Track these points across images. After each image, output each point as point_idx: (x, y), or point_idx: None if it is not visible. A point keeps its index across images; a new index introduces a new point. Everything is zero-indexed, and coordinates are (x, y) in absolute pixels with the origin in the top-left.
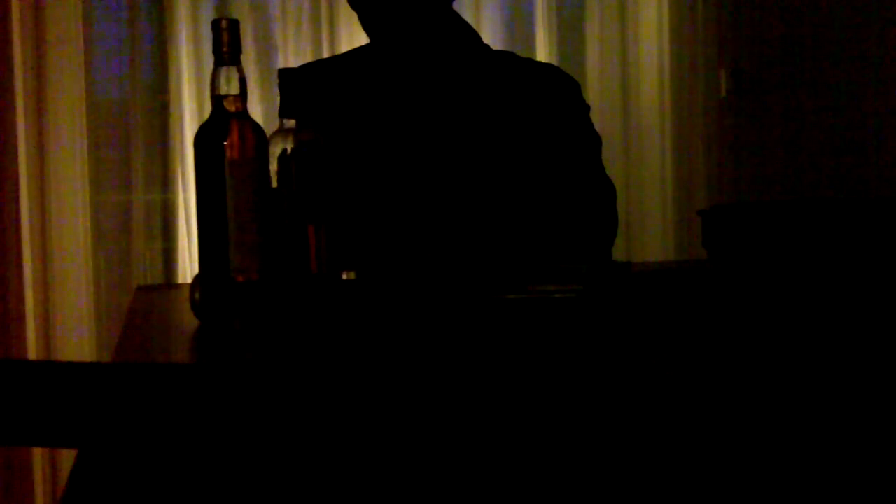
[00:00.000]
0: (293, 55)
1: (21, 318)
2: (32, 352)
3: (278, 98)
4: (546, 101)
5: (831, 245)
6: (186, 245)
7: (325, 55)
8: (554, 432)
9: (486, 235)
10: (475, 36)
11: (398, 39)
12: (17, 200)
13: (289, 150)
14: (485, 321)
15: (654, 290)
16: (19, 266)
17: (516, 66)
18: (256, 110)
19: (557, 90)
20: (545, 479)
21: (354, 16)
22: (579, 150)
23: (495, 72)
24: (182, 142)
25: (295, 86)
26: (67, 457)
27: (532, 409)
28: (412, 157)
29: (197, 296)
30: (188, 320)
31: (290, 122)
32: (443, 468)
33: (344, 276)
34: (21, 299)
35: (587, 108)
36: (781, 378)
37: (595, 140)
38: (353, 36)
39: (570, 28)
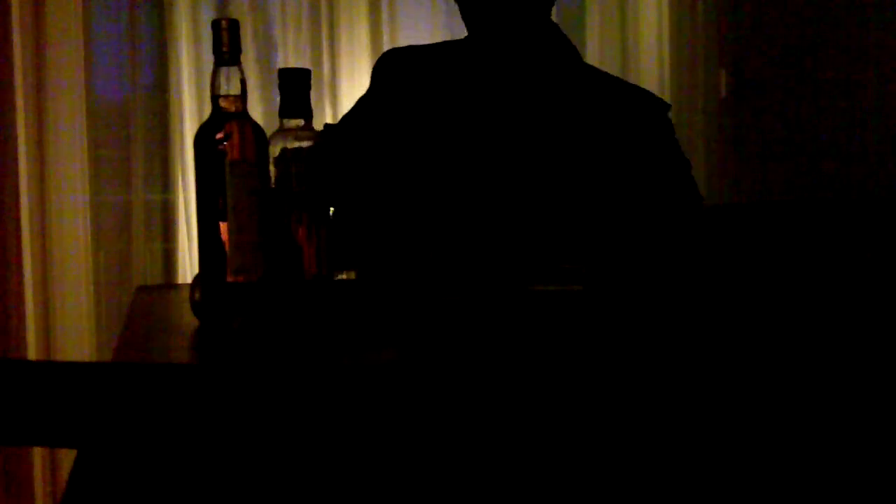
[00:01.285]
0: (293, 55)
1: (21, 318)
2: (32, 352)
3: (278, 98)
4: (633, 126)
5: (831, 245)
6: (186, 245)
7: (325, 55)
8: (554, 432)
9: (523, 246)
10: (574, 51)
11: (497, 38)
12: (17, 200)
13: (289, 149)
14: (485, 321)
15: (654, 289)
16: (19, 266)
17: (607, 85)
18: (256, 110)
19: (646, 116)
20: (545, 479)
21: (354, 16)
22: (668, 174)
23: (583, 90)
24: (182, 142)
25: (296, 85)
26: (67, 457)
27: (531, 409)
28: (477, 160)
29: (197, 296)
30: (188, 320)
31: (291, 123)
32: (442, 468)
33: (343, 276)
34: (21, 299)
35: (672, 131)
36: (781, 378)
37: (684, 163)
38: (353, 36)
39: (570, 28)
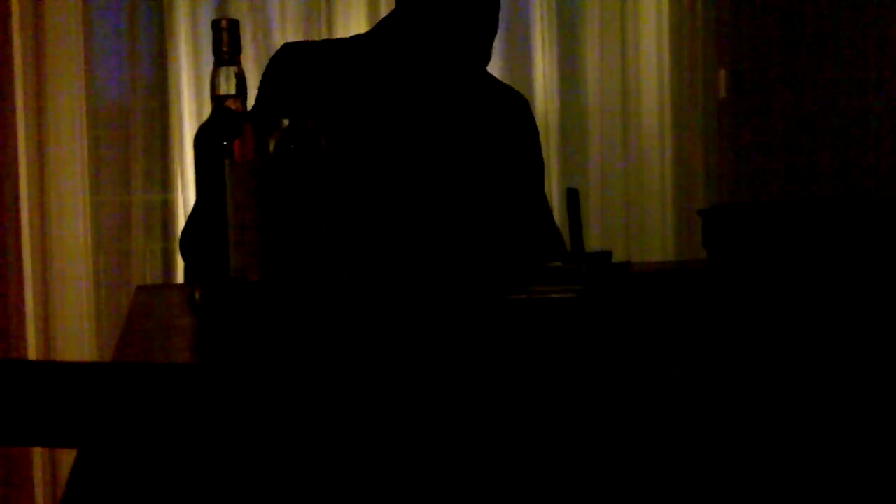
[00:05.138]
0: None
1: (21, 318)
2: (32, 352)
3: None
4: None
5: (831, 245)
6: None
7: None
8: (553, 433)
9: (468, 235)
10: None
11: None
12: (17, 200)
13: (290, 148)
14: (484, 322)
15: (654, 290)
16: (19, 266)
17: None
18: None
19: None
20: (544, 480)
21: (352, 16)
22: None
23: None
24: (182, 142)
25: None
26: (67, 457)
27: (531, 409)
28: (405, 158)
29: (197, 296)
30: (188, 320)
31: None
32: (442, 469)
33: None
34: (21, 299)
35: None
36: (781, 378)
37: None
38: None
39: (570, 28)
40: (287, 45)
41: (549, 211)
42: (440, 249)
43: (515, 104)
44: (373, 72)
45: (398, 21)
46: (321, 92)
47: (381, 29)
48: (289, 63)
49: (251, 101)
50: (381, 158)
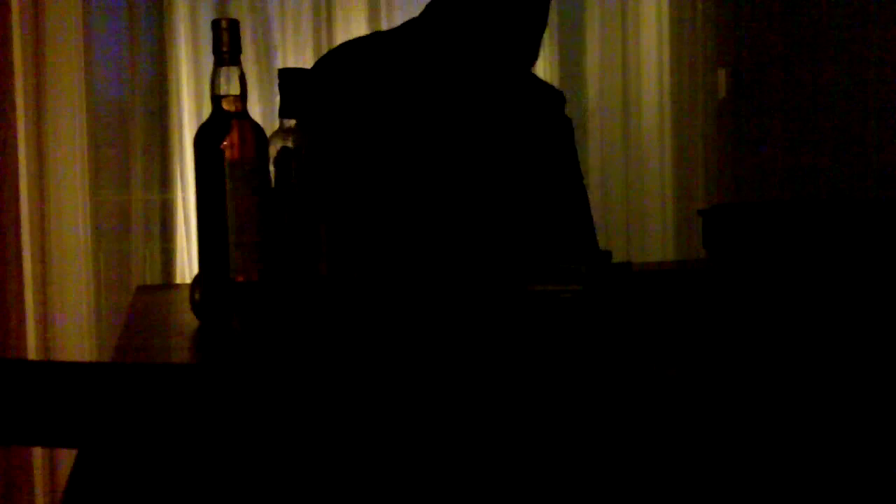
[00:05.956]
0: (293, 55)
1: (21, 318)
2: (32, 352)
3: (278, 98)
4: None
5: (831, 245)
6: (185, 245)
7: None
8: (553, 432)
9: (485, 236)
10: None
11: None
12: (17, 200)
13: (290, 148)
14: (485, 321)
15: (654, 290)
16: (19, 266)
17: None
18: (256, 110)
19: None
20: (544, 479)
21: (353, 16)
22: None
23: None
24: (182, 142)
25: (295, 85)
26: (67, 457)
27: (531, 409)
28: (419, 157)
29: (197, 296)
30: (188, 320)
31: (291, 122)
32: (442, 468)
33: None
34: (21, 299)
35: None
36: (781, 378)
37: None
38: (351, 36)
39: (570, 28)
40: (342, 45)
41: (588, 213)
42: (453, 250)
43: (550, 102)
44: (416, 65)
45: (448, 8)
46: (368, 91)
47: (430, 12)
48: (340, 61)
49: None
50: (409, 157)
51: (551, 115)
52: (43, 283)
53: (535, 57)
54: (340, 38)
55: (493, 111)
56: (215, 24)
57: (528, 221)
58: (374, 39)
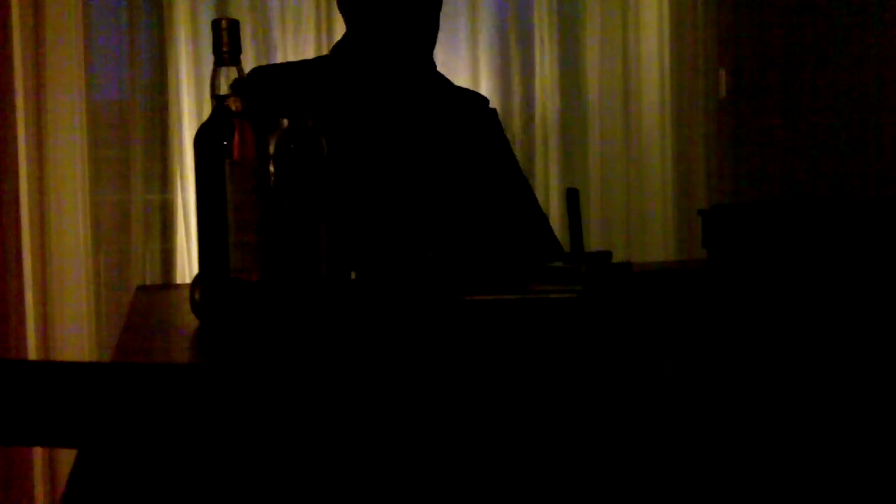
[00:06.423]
0: (293, 55)
1: (21, 318)
2: (32, 352)
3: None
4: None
5: (831, 245)
6: (185, 245)
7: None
8: (552, 433)
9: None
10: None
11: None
12: (17, 200)
13: (291, 148)
14: (485, 321)
15: (654, 290)
16: (19, 266)
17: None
18: None
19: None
20: (544, 480)
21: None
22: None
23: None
24: (181, 142)
25: (263, 83)
26: (67, 457)
27: (531, 409)
28: (376, 165)
29: (197, 296)
30: (188, 320)
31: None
32: (442, 469)
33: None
34: (21, 299)
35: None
36: (781, 378)
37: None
38: None
39: (570, 28)
40: (255, 70)
41: (538, 208)
42: (431, 249)
43: (476, 104)
44: (335, 88)
45: (350, 39)
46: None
47: (337, 50)
48: (258, 85)
49: None
50: (354, 167)
51: (477, 112)
52: (43, 283)
53: (433, 39)
54: (340, 37)
55: (421, 114)
56: (215, 24)
57: (477, 213)
58: (289, 66)
